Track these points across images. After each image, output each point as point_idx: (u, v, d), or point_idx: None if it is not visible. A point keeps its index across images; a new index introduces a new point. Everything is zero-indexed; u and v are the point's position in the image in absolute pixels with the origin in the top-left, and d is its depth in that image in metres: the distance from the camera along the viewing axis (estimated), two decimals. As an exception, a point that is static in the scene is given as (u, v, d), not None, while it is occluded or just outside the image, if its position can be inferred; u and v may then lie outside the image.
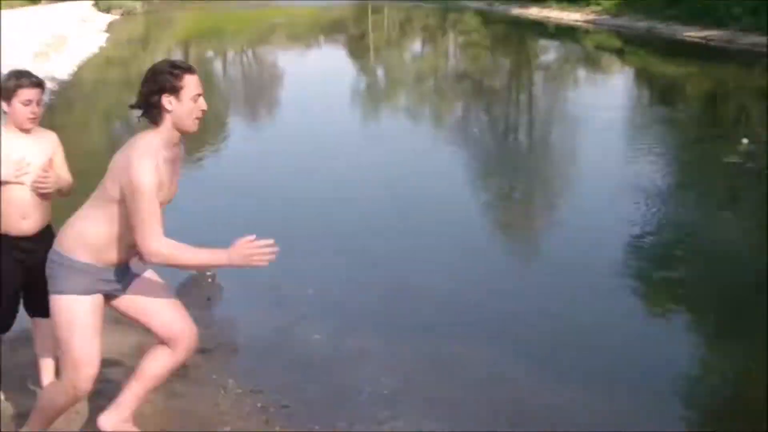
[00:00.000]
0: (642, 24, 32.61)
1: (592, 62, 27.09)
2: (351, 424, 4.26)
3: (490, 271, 6.80)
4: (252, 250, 3.25)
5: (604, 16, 37.67)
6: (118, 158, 3.35)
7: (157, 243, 3.25)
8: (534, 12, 44.16)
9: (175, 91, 3.35)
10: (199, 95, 3.40)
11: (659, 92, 19.50)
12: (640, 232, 7.71)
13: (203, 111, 3.42)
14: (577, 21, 38.45)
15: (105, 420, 3.59)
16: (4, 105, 4.09)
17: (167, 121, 3.37)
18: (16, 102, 4.06)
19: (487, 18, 44.75)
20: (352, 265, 6.79)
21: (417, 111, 16.85)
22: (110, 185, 3.34)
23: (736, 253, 7.30)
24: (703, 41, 27.99)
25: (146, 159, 3.28)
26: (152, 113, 3.36)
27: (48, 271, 3.45)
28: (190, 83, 3.38)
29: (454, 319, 5.63)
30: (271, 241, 3.23)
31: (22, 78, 4.15)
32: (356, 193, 9.06)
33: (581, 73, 24.80)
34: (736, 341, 5.52)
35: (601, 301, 6.02)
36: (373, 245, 7.22)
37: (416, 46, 34.26)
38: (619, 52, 27.51)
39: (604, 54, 28.65)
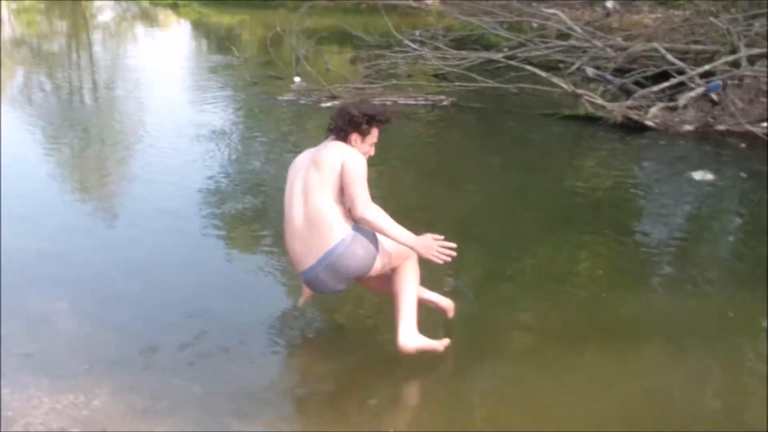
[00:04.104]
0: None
1: (148, 18, 27.19)
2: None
3: (76, 229, 6.67)
4: (435, 245, 3.93)
5: (155, -28, 37.69)
6: (326, 156, 4.16)
7: (371, 205, 3.97)
8: (82, -28, 42.92)
9: (363, 135, 4.28)
10: (375, 144, 4.34)
11: (216, 40, 20.26)
12: (215, 173, 8.12)
13: (370, 155, 4.30)
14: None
15: (407, 339, 4.18)
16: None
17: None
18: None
19: (35, -19, 42.63)
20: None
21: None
22: (329, 175, 4.09)
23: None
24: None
25: (356, 152, 4.20)
26: (342, 137, 4.28)
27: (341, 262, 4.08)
28: (374, 134, 4.33)
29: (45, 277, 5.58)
30: (453, 245, 3.93)
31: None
32: None
33: (139, 29, 24.86)
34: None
35: (190, 244, 6.28)
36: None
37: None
38: (174, 6, 27.90)
39: (159, 9, 28.85)
